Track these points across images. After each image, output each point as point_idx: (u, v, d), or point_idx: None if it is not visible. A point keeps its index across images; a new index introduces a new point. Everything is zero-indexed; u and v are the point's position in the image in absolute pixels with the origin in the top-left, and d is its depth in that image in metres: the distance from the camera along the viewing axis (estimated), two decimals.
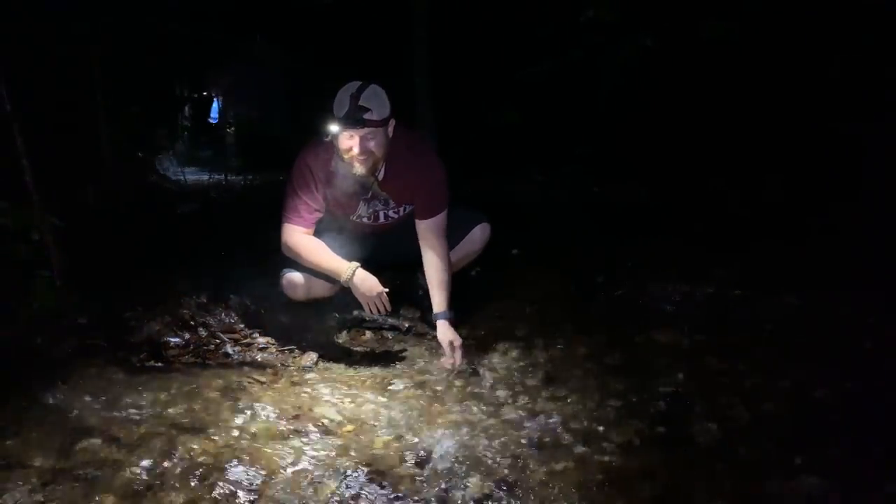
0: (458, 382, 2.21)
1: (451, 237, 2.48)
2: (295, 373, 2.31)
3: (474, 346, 2.50)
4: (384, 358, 2.48)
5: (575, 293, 2.86)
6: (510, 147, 4.56)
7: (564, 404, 2.01)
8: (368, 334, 2.68)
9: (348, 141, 2.16)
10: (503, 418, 1.96)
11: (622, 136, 4.32)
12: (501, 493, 1.62)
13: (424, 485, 1.66)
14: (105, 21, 3.15)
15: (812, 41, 3.75)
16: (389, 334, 2.66)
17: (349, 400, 2.10)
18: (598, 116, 4.46)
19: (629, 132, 4.29)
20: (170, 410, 1.94)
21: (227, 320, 2.62)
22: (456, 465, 1.73)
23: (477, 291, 2.89)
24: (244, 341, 2.52)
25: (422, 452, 1.79)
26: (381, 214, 2.49)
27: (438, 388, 2.18)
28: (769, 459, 1.68)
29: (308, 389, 2.17)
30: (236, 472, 1.66)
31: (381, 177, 2.34)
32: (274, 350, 2.49)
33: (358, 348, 2.59)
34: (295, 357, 2.44)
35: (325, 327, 2.66)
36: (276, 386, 2.18)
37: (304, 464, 1.72)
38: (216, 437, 1.80)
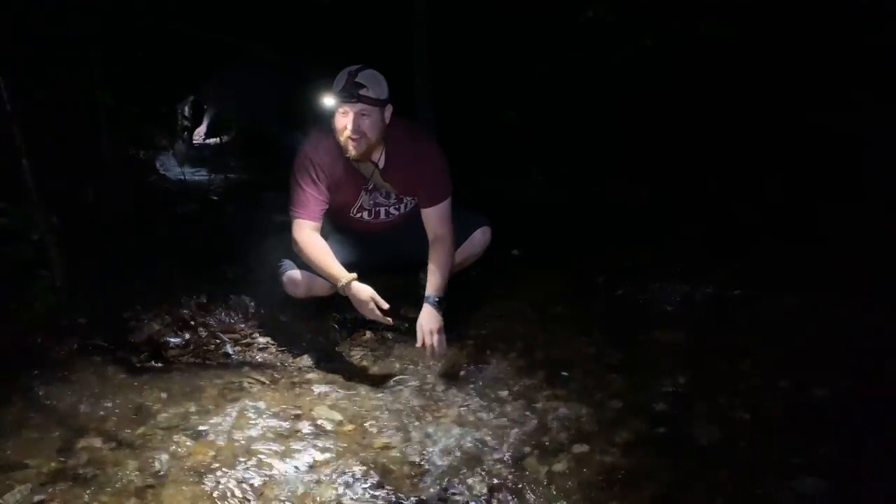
0: (458, 382, 2.21)
1: None
2: (295, 373, 2.32)
3: (474, 346, 2.50)
4: (384, 358, 2.48)
5: (575, 293, 2.86)
6: (510, 147, 4.56)
7: (564, 404, 2.01)
8: (368, 334, 2.68)
9: (343, 118, 2.18)
10: (503, 418, 1.96)
11: (622, 136, 4.31)
12: (501, 493, 1.62)
13: (424, 485, 1.66)
14: (105, 21, 3.15)
15: (812, 40, 3.75)
16: (389, 334, 2.66)
17: (349, 400, 2.10)
18: (598, 116, 4.46)
19: (629, 132, 4.29)
20: (170, 410, 1.94)
21: (227, 320, 2.62)
22: (456, 465, 1.73)
23: (477, 291, 2.89)
24: (244, 341, 2.52)
25: (422, 452, 1.79)
26: (382, 211, 2.49)
27: (439, 387, 2.18)
28: (769, 459, 1.68)
29: (308, 389, 2.17)
30: (236, 472, 1.66)
31: (381, 165, 2.34)
32: (274, 350, 2.49)
33: (358, 348, 2.59)
34: (295, 357, 2.44)
35: (325, 327, 2.66)
36: (276, 386, 2.18)
37: (303, 464, 1.72)
38: (216, 438, 1.80)
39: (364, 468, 1.70)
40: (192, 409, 1.96)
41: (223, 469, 1.66)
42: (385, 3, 4.45)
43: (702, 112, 4.09)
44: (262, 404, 2.00)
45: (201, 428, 1.84)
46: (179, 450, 1.73)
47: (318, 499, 1.60)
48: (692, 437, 1.80)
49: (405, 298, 2.78)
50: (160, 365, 2.26)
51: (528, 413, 1.98)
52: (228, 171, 4.65)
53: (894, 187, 3.10)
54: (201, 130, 5.63)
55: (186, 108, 5.65)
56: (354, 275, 2.25)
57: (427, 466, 1.73)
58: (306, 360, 2.41)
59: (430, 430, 1.90)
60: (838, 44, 3.69)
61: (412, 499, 1.60)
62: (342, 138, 2.20)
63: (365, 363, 2.44)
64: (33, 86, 2.77)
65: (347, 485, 1.65)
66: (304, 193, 2.31)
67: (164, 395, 2.02)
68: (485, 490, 1.63)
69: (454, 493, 1.62)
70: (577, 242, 3.36)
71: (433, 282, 2.32)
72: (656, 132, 4.22)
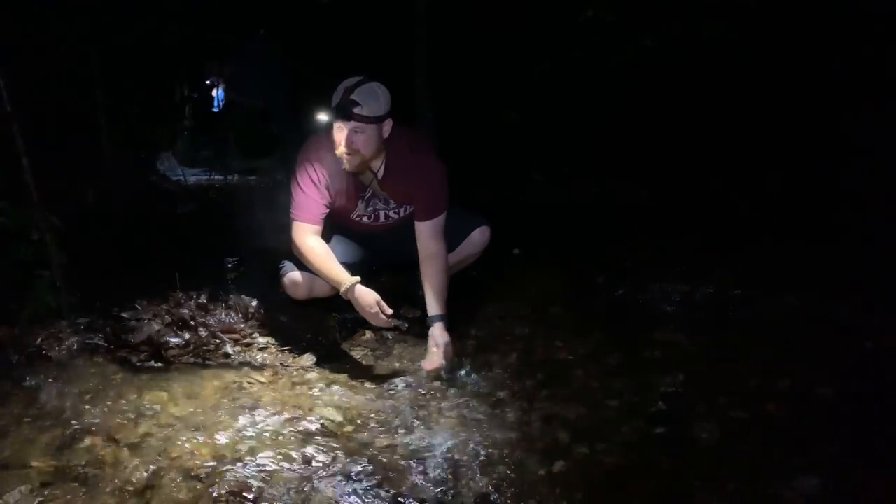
0: (458, 382, 2.22)
1: (451, 240, 2.48)
2: (295, 373, 2.31)
3: (474, 346, 2.50)
4: (384, 358, 2.48)
5: (575, 293, 2.86)
6: (510, 147, 4.56)
7: (564, 404, 2.01)
8: (368, 334, 2.68)
9: (338, 133, 2.18)
10: (503, 418, 1.96)
11: (622, 136, 4.31)
12: (501, 493, 1.62)
13: (424, 485, 1.66)
14: (105, 21, 3.15)
15: (812, 39, 3.75)
16: (389, 334, 2.66)
17: (349, 400, 2.10)
18: (598, 116, 4.46)
19: (629, 132, 4.29)
20: (170, 410, 1.94)
21: (227, 320, 2.62)
22: (456, 465, 1.73)
23: (477, 291, 2.89)
24: (244, 341, 2.52)
25: (422, 452, 1.79)
26: (382, 214, 2.49)
27: (439, 387, 2.18)
28: (769, 459, 1.68)
29: (308, 389, 2.17)
30: (236, 472, 1.66)
31: (380, 175, 2.34)
32: (274, 350, 2.49)
33: (358, 348, 2.59)
34: (295, 357, 2.44)
35: (325, 327, 2.66)
36: (275, 386, 2.18)
37: (303, 464, 1.72)
38: (216, 437, 1.80)
39: (364, 468, 1.70)
40: (192, 409, 1.95)
41: (223, 469, 1.66)
42: (385, 3, 4.45)
43: (702, 112, 4.09)
44: (262, 404, 2.00)
45: (201, 428, 1.84)
46: (179, 450, 1.73)
47: (318, 499, 1.59)
48: (692, 437, 1.80)
49: (405, 298, 2.79)
50: (160, 365, 2.26)
51: (528, 413, 1.98)
52: (228, 171, 4.65)
53: (894, 187, 3.10)
54: (217, 99, 5.58)
55: (187, 109, 5.64)
56: (358, 278, 2.25)
57: (427, 466, 1.73)
58: (306, 360, 2.41)
59: (431, 430, 1.90)
60: (839, 44, 3.69)
61: (412, 499, 1.60)
62: (337, 152, 2.21)
63: (365, 363, 2.44)
64: (33, 86, 2.77)
65: (347, 485, 1.64)
66: (304, 196, 2.31)
67: (164, 395, 2.02)
68: (485, 490, 1.63)
69: (454, 494, 1.62)
70: (577, 242, 3.36)
71: (435, 301, 2.32)
72: (656, 132, 4.22)
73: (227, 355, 2.40)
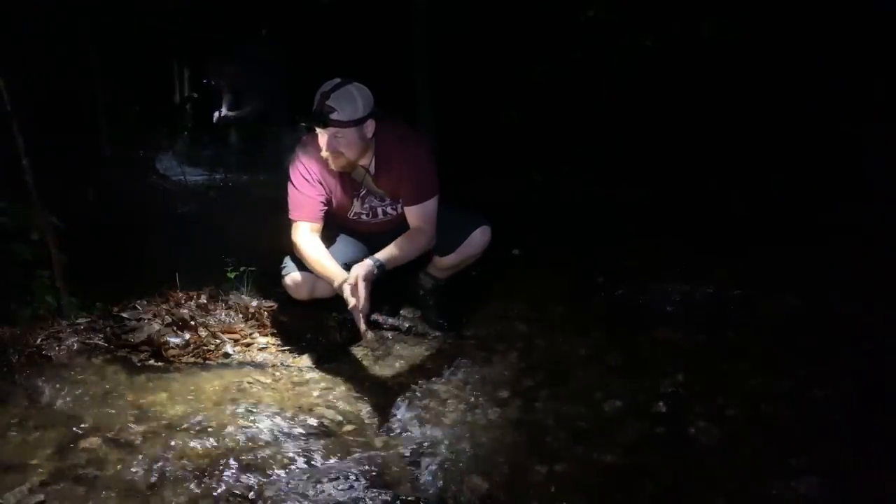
0: (458, 382, 2.22)
1: (452, 239, 2.48)
2: (295, 373, 2.31)
3: (474, 346, 2.50)
4: (384, 358, 2.48)
5: (575, 293, 2.86)
6: (510, 147, 4.55)
7: (564, 404, 2.01)
8: (368, 334, 2.68)
9: (320, 138, 2.18)
10: (503, 418, 1.96)
11: (622, 136, 4.31)
12: (501, 493, 1.62)
13: (424, 485, 1.66)
14: (105, 21, 3.15)
15: (813, 39, 3.75)
16: (389, 334, 2.66)
17: (349, 400, 2.10)
18: (598, 116, 4.45)
19: (629, 132, 4.29)
20: (170, 410, 1.94)
21: (227, 320, 2.62)
22: (456, 464, 1.73)
23: (477, 291, 2.89)
24: (244, 341, 2.52)
25: (422, 452, 1.79)
26: (380, 210, 2.48)
27: (439, 387, 2.18)
28: (769, 459, 1.68)
29: (308, 389, 2.17)
30: (236, 472, 1.66)
31: (373, 171, 2.34)
32: (274, 350, 2.49)
33: (358, 348, 2.59)
34: (295, 357, 2.45)
35: (325, 327, 2.66)
36: (276, 386, 2.18)
37: (303, 464, 1.72)
38: (216, 438, 1.80)
39: (364, 468, 1.70)
40: (192, 409, 1.95)
41: (223, 469, 1.66)
42: (385, 2, 4.45)
43: (702, 112, 4.09)
44: (262, 404, 2.01)
45: (201, 428, 1.84)
46: (179, 450, 1.73)
47: (317, 499, 1.59)
48: (692, 437, 1.80)
49: (405, 298, 2.79)
50: (160, 365, 2.26)
51: (528, 413, 1.98)
52: (228, 171, 4.64)
53: (895, 187, 3.10)
54: (221, 106, 5.58)
55: (187, 108, 5.63)
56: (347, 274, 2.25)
57: (427, 466, 1.73)
58: (306, 360, 2.41)
59: (431, 429, 1.90)
60: (840, 44, 3.69)
61: (412, 499, 1.60)
62: (322, 155, 2.21)
63: (365, 363, 2.44)
64: (33, 86, 2.77)
65: (347, 485, 1.65)
66: (300, 196, 2.31)
67: (164, 395, 2.02)
68: (485, 490, 1.63)
69: (454, 494, 1.62)
70: (577, 242, 3.36)
71: (387, 250, 2.21)
72: (656, 132, 4.22)
73: (227, 355, 2.40)
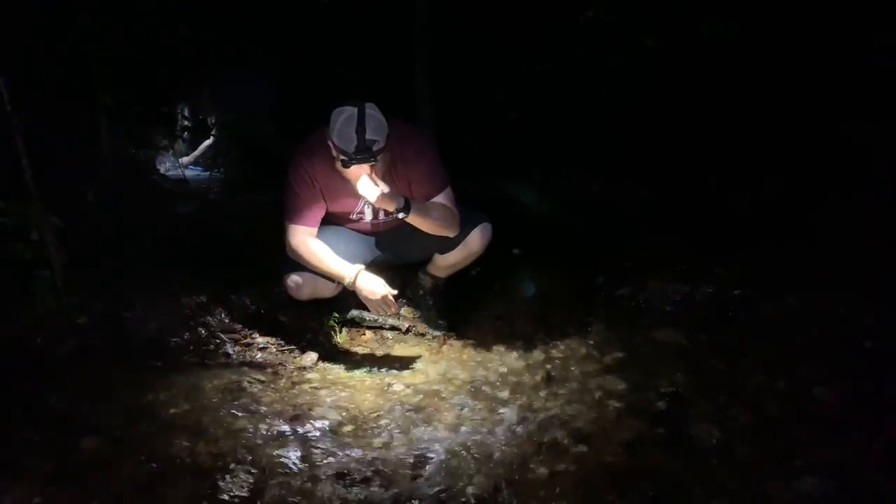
0: (458, 382, 2.22)
1: (453, 237, 2.48)
2: (295, 373, 2.31)
3: (474, 346, 2.50)
4: (384, 358, 2.48)
5: (575, 293, 2.86)
6: (510, 147, 4.55)
7: (564, 404, 2.01)
8: (368, 334, 2.68)
9: (359, 170, 2.13)
10: (503, 418, 1.96)
11: (622, 135, 4.31)
12: (501, 493, 1.62)
13: (424, 485, 1.66)
14: (105, 21, 3.14)
15: (813, 39, 3.74)
16: (389, 334, 2.66)
17: (349, 400, 2.10)
18: (598, 116, 4.45)
19: (629, 132, 4.28)
20: (170, 410, 1.94)
21: (227, 320, 2.62)
22: (456, 464, 1.73)
23: (477, 291, 2.89)
24: (244, 341, 2.52)
25: (422, 452, 1.79)
26: (382, 210, 2.48)
27: (439, 387, 2.18)
28: (769, 459, 1.68)
29: (308, 389, 2.17)
30: (236, 472, 1.66)
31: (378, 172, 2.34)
32: (274, 350, 2.49)
33: (358, 348, 2.59)
34: (295, 357, 2.45)
35: (325, 327, 2.66)
36: (276, 386, 2.18)
37: (303, 464, 1.72)
38: (216, 437, 1.80)
39: (364, 468, 1.70)
40: (192, 409, 1.95)
41: (223, 469, 1.66)
42: (385, 2, 4.45)
43: (702, 112, 4.09)
44: (262, 404, 2.01)
45: (201, 428, 1.84)
46: (179, 449, 1.73)
47: (317, 499, 1.60)
48: (692, 437, 1.80)
49: (405, 298, 2.78)
50: (160, 365, 2.26)
51: (528, 413, 1.98)
52: (228, 172, 4.65)
53: (894, 187, 3.09)
54: (192, 156, 5.64)
55: (186, 109, 5.64)
56: (361, 266, 2.26)
57: (427, 466, 1.73)
58: (306, 360, 2.41)
59: (431, 429, 1.91)
60: (841, 44, 3.69)
61: (412, 499, 1.60)
62: (360, 186, 2.12)
63: (365, 363, 2.44)
64: (33, 86, 2.77)
65: (347, 484, 1.65)
66: (300, 201, 2.29)
67: (164, 395, 2.02)
68: (485, 490, 1.63)
69: (454, 494, 1.62)
70: (577, 242, 3.36)
71: (413, 200, 2.22)
72: (656, 132, 4.22)
73: (227, 355, 2.40)
